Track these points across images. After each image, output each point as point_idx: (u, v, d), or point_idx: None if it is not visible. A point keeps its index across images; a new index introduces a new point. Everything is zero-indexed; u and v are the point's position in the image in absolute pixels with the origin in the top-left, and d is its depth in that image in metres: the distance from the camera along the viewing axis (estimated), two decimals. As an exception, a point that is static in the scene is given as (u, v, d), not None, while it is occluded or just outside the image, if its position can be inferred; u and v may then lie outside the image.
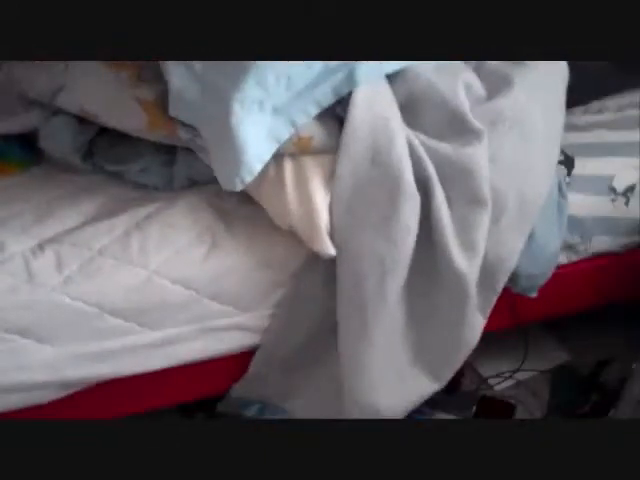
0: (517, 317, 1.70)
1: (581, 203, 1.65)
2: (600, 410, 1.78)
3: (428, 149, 1.50)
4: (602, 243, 1.71)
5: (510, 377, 1.90)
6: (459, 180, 1.49)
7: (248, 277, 1.50)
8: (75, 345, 1.43)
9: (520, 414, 1.86)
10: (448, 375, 1.58)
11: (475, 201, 1.49)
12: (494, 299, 1.55)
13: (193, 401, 1.78)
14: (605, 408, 1.76)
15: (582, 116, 1.79)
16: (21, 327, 1.39)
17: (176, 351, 1.50)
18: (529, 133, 1.57)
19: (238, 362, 1.58)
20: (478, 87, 1.62)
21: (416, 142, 1.49)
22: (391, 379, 1.52)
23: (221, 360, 1.56)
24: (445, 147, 1.50)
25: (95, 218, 1.50)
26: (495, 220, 1.51)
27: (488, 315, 1.56)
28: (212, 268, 1.47)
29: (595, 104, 1.82)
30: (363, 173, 1.45)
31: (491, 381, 1.93)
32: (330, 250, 1.45)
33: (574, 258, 1.69)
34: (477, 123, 1.52)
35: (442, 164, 1.49)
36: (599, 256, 1.73)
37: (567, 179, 1.63)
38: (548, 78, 1.65)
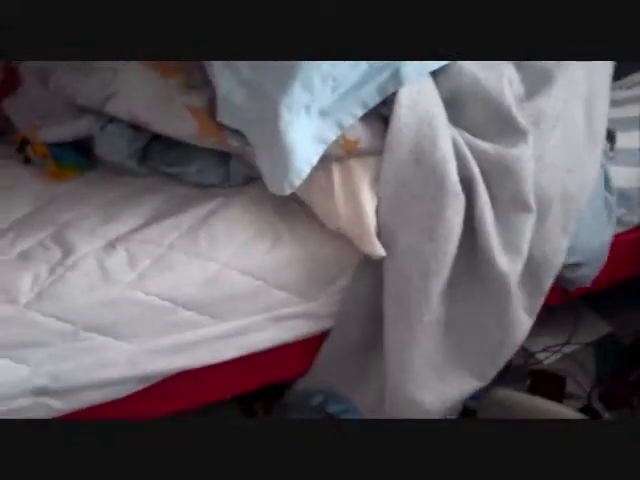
0: (566, 294, 1.74)
1: (625, 175, 1.69)
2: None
3: (473, 148, 1.50)
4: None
5: (558, 351, 1.95)
6: (504, 181, 1.50)
7: (310, 268, 1.53)
8: (151, 340, 1.46)
9: (570, 386, 1.92)
10: (492, 373, 1.60)
11: (520, 205, 1.50)
12: (541, 299, 1.58)
13: (254, 391, 1.83)
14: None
15: (619, 91, 1.83)
16: (99, 325, 1.42)
17: (247, 341, 1.54)
18: (571, 131, 1.58)
19: (303, 350, 1.62)
20: (518, 84, 1.61)
21: (461, 141, 1.50)
22: (434, 377, 1.56)
23: (287, 348, 1.59)
24: (490, 147, 1.51)
25: (159, 216, 1.53)
26: (540, 220, 1.54)
27: (536, 315, 1.59)
28: (277, 259, 1.50)
29: (629, 78, 1.86)
30: (408, 173, 1.46)
31: (539, 356, 1.97)
32: (380, 251, 1.48)
33: (620, 230, 1.73)
34: (523, 122, 1.52)
35: (487, 164, 1.50)
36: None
37: (611, 154, 1.67)
38: (591, 68, 1.65)
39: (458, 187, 1.46)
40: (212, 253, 1.47)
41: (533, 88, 1.61)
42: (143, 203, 1.57)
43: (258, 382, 1.68)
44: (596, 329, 2.05)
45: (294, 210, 1.56)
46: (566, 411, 1.77)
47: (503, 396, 1.64)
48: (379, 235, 1.48)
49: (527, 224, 1.51)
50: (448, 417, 1.62)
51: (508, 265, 1.50)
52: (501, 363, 1.59)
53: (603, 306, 1.83)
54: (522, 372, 1.93)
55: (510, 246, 1.51)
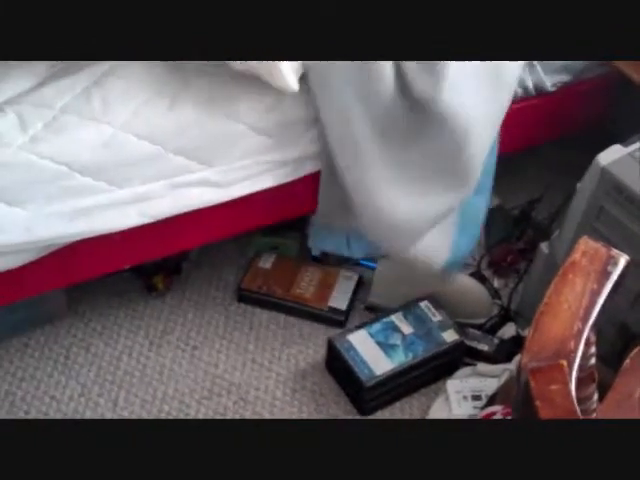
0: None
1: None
2: (534, 244, 1.91)
3: None
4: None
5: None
6: None
7: (211, 130, 1.51)
8: (47, 205, 1.42)
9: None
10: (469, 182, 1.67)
11: None
12: None
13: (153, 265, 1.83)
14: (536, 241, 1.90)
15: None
16: (-9, 190, 1.37)
17: (146, 208, 1.51)
18: None
19: (205, 219, 1.61)
20: None
21: None
22: (399, 193, 1.63)
23: (188, 216, 1.58)
24: None
25: (51, 78, 1.47)
26: None
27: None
28: (175, 122, 1.48)
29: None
30: None
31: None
32: (293, 85, 1.46)
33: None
34: None
35: None
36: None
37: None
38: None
39: None
40: (106, 116, 1.43)
41: None
42: (35, 64, 1.49)
43: (158, 252, 1.67)
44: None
45: (196, 70, 1.52)
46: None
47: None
48: (308, 75, 1.49)
49: None
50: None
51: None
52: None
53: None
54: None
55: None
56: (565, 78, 1.85)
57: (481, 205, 1.78)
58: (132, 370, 1.75)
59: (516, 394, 0.90)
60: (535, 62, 1.77)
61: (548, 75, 1.80)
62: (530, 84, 1.79)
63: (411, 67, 1.53)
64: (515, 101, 1.78)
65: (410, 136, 1.60)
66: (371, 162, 1.60)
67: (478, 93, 1.61)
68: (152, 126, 1.46)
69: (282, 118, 1.55)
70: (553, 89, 1.83)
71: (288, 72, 1.45)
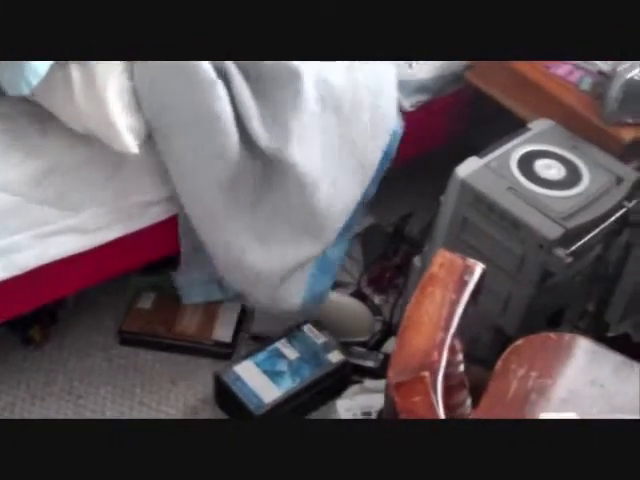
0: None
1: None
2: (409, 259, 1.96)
3: None
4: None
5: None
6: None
7: (72, 176, 1.50)
8: None
9: (340, 276, 2.02)
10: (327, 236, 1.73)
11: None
12: None
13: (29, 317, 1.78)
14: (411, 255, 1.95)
15: None
16: None
17: (14, 260, 1.48)
18: None
19: (75, 266, 1.59)
20: None
21: None
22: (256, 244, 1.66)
23: (59, 265, 1.55)
24: None
25: None
26: None
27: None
28: (31, 171, 1.46)
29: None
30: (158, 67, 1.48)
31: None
32: (132, 148, 1.47)
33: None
34: None
35: None
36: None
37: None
38: None
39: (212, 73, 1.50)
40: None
41: None
42: None
43: (30, 304, 1.63)
44: (361, 222, 2.16)
45: (48, 120, 1.50)
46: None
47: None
48: (155, 136, 1.51)
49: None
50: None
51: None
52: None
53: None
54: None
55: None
56: (423, 97, 1.91)
57: (338, 255, 1.82)
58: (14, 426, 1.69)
59: (385, 410, 0.93)
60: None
61: (406, 96, 1.86)
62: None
63: (255, 123, 1.56)
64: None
65: (261, 189, 1.63)
66: (221, 215, 1.63)
67: (329, 152, 1.67)
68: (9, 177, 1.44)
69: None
70: (412, 109, 1.89)
71: (126, 134, 1.45)
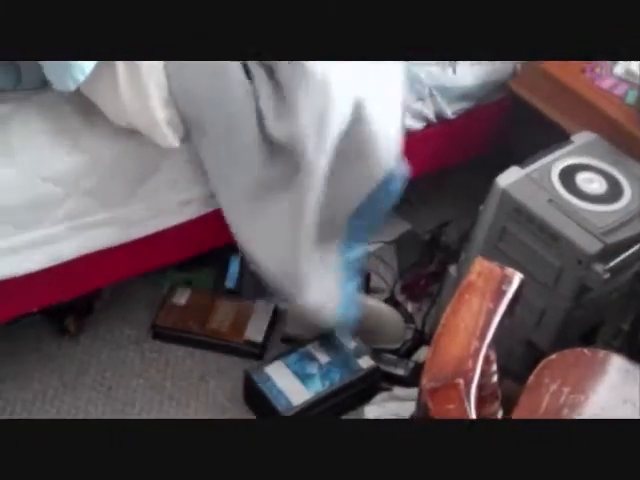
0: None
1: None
2: (445, 267, 1.95)
3: None
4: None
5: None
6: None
7: (113, 170, 1.51)
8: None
9: (375, 281, 2.02)
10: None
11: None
12: None
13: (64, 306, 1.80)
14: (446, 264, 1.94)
15: None
16: None
17: (52, 251, 1.50)
18: None
19: (112, 259, 1.60)
20: None
21: None
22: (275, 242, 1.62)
23: (95, 257, 1.57)
24: None
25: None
26: None
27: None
28: (76, 164, 1.47)
29: None
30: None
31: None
32: (172, 142, 1.49)
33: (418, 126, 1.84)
34: None
35: None
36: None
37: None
38: None
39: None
40: (9, 159, 1.42)
41: None
42: None
43: (68, 294, 1.65)
44: (396, 227, 2.16)
45: (94, 113, 1.51)
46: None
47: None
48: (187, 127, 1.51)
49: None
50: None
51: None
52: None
53: (401, 205, 1.92)
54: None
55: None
56: (465, 105, 1.91)
57: (358, 255, 1.77)
58: (46, 414, 1.71)
59: (417, 416, 0.92)
60: (435, 92, 1.83)
61: (448, 103, 1.85)
62: (431, 113, 1.84)
63: (269, 114, 1.54)
64: (418, 130, 1.84)
65: (282, 185, 1.60)
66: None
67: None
68: (56, 168, 1.45)
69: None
70: (454, 116, 1.88)
71: (167, 129, 1.47)
